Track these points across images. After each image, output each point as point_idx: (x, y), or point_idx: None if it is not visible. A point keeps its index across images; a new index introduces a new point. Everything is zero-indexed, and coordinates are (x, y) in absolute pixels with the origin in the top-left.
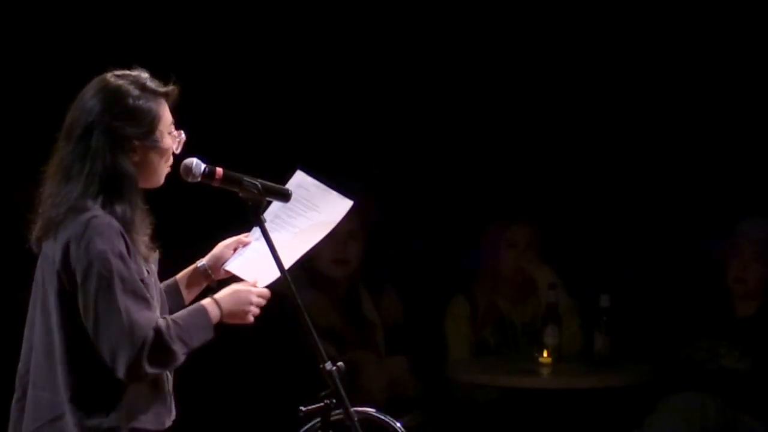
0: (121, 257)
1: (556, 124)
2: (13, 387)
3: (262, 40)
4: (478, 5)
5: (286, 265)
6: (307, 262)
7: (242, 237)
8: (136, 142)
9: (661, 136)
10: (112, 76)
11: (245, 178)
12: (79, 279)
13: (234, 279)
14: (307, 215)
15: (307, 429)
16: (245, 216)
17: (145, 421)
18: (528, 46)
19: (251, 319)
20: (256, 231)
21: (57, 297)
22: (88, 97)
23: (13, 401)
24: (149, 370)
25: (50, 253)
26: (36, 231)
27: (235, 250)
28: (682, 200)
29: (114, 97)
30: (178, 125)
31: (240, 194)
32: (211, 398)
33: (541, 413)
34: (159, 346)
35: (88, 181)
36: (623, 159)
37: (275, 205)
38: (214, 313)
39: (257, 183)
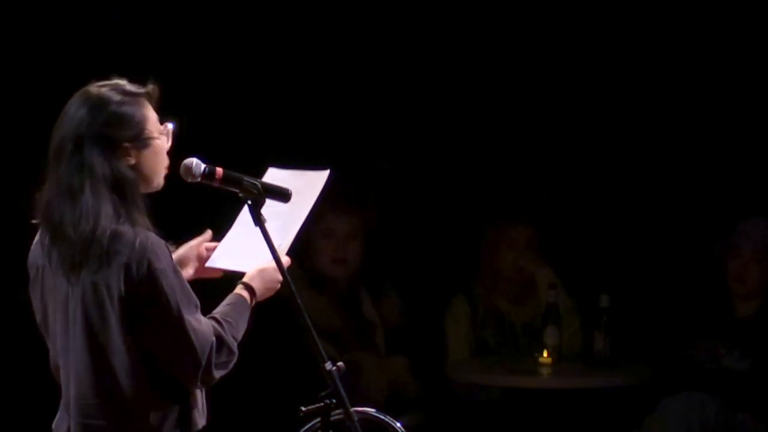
0: (176, 271)
1: (556, 125)
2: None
3: (266, 38)
4: (479, 11)
5: (285, 248)
6: (306, 261)
7: (203, 240)
8: (128, 145)
9: (660, 136)
10: (92, 87)
11: (245, 178)
12: (144, 300)
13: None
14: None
15: (307, 429)
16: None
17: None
18: (528, 47)
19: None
20: (237, 224)
21: (121, 324)
22: (73, 111)
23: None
24: (217, 375)
25: (100, 281)
26: (69, 259)
27: (205, 253)
28: (682, 200)
29: (98, 104)
30: (178, 125)
31: (240, 194)
32: (211, 398)
33: (541, 413)
34: (222, 351)
35: (95, 195)
36: (623, 159)
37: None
38: (251, 300)
39: (257, 183)
